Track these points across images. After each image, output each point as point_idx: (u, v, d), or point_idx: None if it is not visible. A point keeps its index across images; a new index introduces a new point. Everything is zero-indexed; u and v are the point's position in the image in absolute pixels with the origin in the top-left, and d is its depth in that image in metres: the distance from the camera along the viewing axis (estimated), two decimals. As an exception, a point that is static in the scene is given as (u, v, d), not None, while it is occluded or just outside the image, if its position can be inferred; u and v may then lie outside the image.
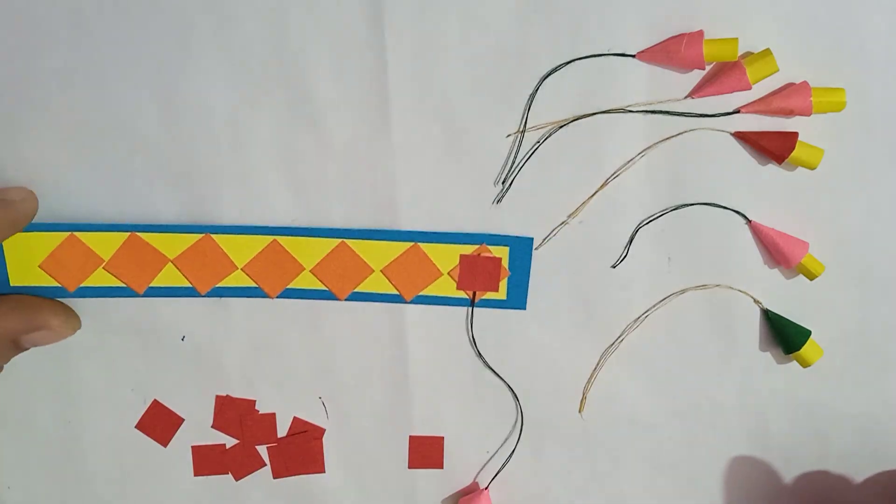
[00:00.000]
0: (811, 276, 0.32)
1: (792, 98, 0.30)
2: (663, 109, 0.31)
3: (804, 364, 0.32)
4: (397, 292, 0.32)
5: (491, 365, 0.33)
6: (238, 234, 0.31)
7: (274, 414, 0.33)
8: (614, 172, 0.31)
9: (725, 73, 0.30)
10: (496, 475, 0.34)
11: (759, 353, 0.33)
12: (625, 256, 0.32)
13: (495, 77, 0.31)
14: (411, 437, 0.34)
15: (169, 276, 0.31)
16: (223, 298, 0.32)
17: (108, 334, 0.32)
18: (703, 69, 0.31)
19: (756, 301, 0.33)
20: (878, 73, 0.31)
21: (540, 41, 0.30)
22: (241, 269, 0.31)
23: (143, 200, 0.31)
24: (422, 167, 0.31)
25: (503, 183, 0.31)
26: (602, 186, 0.31)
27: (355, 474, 0.34)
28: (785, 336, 0.32)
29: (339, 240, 0.31)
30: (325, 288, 0.32)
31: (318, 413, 0.33)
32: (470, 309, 0.32)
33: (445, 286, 0.32)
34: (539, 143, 0.31)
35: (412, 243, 0.31)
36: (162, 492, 0.33)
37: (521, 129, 0.31)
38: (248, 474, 0.34)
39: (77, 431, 0.33)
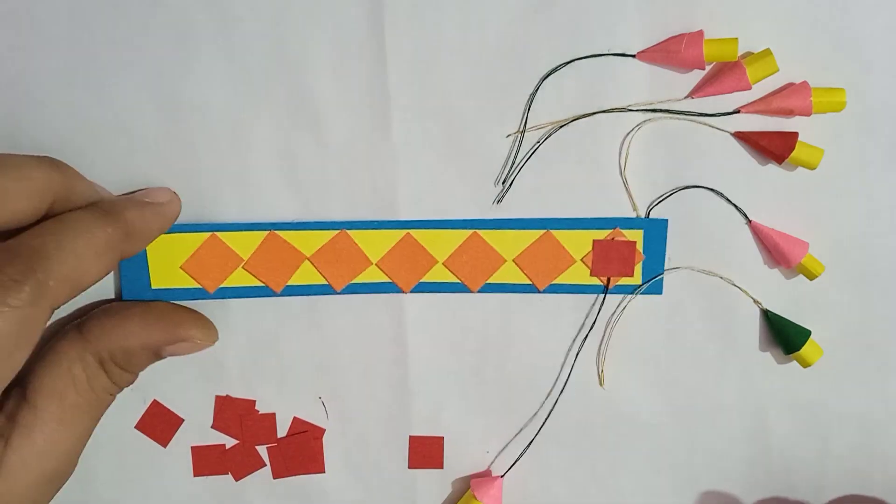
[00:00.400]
0: (811, 276, 0.32)
1: (792, 98, 0.30)
2: (663, 109, 0.31)
3: (804, 364, 0.32)
4: (530, 282, 0.32)
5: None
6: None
7: (274, 414, 0.33)
8: (614, 173, 0.31)
9: (725, 73, 0.30)
10: (512, 466, 0.34)
11: (759, 353, 0.33)
12: (625, 256, 0.32)
13: (495, 77, 0.31)
14: (411, 437, 0.34)
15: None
16: (224, 299, 0.32)
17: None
18: (703, 69, 0.31)
19: (756, 301, 0.33)
20: (878, 73, 0.31)
21: (540, 41, 0.30)
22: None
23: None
24: (422, 167, 0.31)
25: (503, 183, 0.31)
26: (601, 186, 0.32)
27: (355, 474, 0.34)
28: (785, 336, 0.32)
29: (471, 230, 0.31)
30: (458, 281, 0.32)
31: (318, 413, 0.33)
32: (603, 296, 0.32)
33: (579, 273, 0.32)
34: (539, 143, 0.31)
35: (544, 230, 0.31)
36: (162, 492, 0.33)
37: (521, 129, 0.31)
38: (248, 474, 0.34)
39: (77, 431, 0.33)
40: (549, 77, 0.31)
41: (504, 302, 0.32)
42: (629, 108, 0.31)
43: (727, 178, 0.32)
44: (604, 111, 0.31)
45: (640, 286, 0.32)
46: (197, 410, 0.33)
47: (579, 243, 0.31)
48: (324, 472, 0.34)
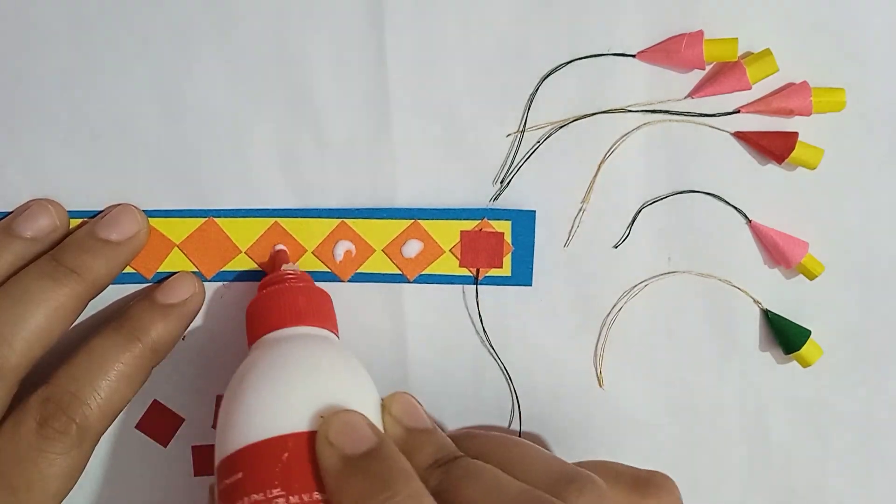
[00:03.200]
0: (811, 276, 0.32)
1: (792, 98, 0.30)
2: (663, 109, 0.31)
3: (804, 364, 0.32)
4: (400, 272, 0.32)
5: (492, 353, 0.33)
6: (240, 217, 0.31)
7: (274, 414, 0.33)
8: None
9: (725, 73, 0.30)
10: None
11: (759, 353, 0.33)
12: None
13: (495, 77, 0.31)
14: (411, 437, 0.34)
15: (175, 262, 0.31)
16: (223, 298, 0.32)
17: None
18: (703, 69, 0.31)
19: (756, 301, 0.33)
20: (878, 73, 0.31)
21: (540, 41, 0.30)
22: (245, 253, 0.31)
23: (143, 200, 0.31)
24: (422, 167, 0.31)
25: (502, 182, 0.31)
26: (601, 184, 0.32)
27: (355, 474, 0.34)
28: (785, 336, 0.32)
29: (339, 220, 0.31)
30: (327, 269, 0.31)
31: (318, 413, 0.33)
32: (474, 287, 0.32)
33: (448, 264, 0.32)
34: (539, 143, 0.31)
35: (412, 221, 0.31)
36: (162, 492, 0.33)
37: (521, 129, 0.31)
38: (248, 474, 0.34)
39: (77, 431, 0.33)
40: (549, 77, 0.31)
41: (503, 302, 0.32)
42: (629, 108, 0.31)
43: (727, 178, 0.32)
44: (604, 111, 0.31)
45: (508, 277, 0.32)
46: (197, 410, 0.33)
47: (448, 234, 0.31)
48: (324, 472, 0.34)
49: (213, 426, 0.33)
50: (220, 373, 0.33)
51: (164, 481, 0.33)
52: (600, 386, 0.33)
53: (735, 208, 0.32)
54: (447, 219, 0.31)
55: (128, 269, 0.31)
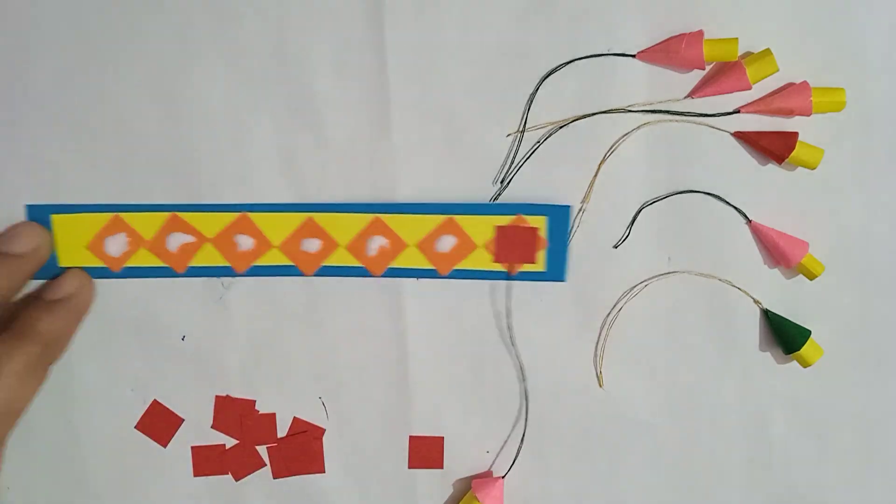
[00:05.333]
0: (811, 276, 0.32)
1: (792, 98, 0.30)
2: (663, 109, 0.31)
3: (804, 364, 0.32)
4: (433, 267, 0.32)
5: (514, 352, 0.33)
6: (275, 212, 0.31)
7: (274, 414, 0.33)
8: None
9: (725, 73, 0.30)
10: (511, 466, 0.34)
11: (759, 353, 0.33)
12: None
13: (495, 77, 0.31)
14: (411, 437, 0.34)
15: (206, 257, 0.31)
16: (223, 298, 0.32)
17: (108, 334, 0.32)
18: (703, 69, 0.31)
19: (756, 301, 0.33)
20: (878, 73, 0.31)
21: (540, 41, 0.30)
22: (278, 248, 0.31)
23: (143, 199, 0.31)
24: (422, 167, 0.31)
25: (502, 182, 0.31)
26: (600, 186, 0.31)
27: (355, 474, 0.34)
28: (785, 336, 0.32)
29: (374, 215, 0.31)
30: (359, 264, 0.31)
31: (318, 413, 0.33)
32: (506, 283, 0.32)
33: (481, 259, 0.32)
34: (539, 143, 0.31)
35: (447, 216, 0.31)
36: (162, 492, 0.33)
37: (521, 129, 0.31)
38: (248, 474, 0.34)
39: (77, 431, 0.33)
40: (549, 77, 0.31)
41: (502, 302, 0.32)
42: (629, 108, 0.31)
43: (727, 178, 0.32)
44: (604, 111, 0.31)
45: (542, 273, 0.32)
46: (197, 410, 0.33)
47: (482, 229, 0.31)
48: (324, 472, 0.34)
49: (213, 426, 0.33)
50: (220, 373, 0.33)
51: (164, 481, 0.33)
52: (600, 386, 0.33)
53: (735, 208, 0.32)
54: (482, 214, 0.31)
55: (157, 264, 0.31)
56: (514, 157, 0.31)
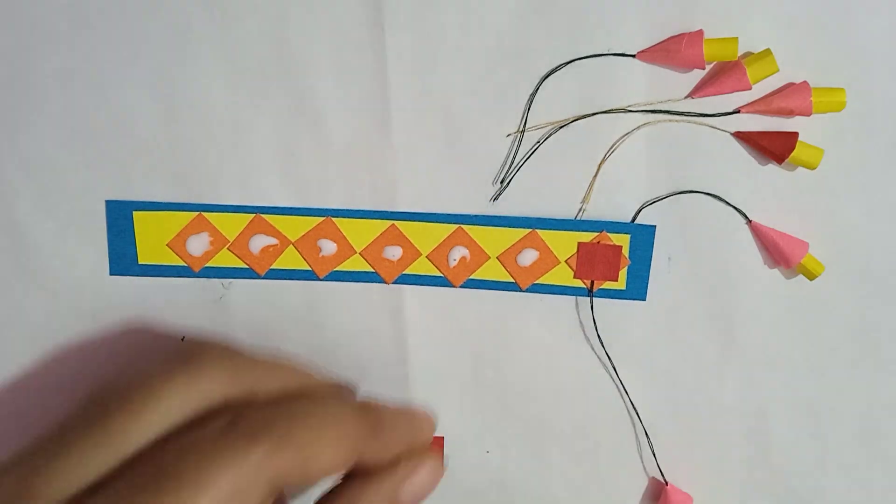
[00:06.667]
0: (811, 276, 0.32)
1: (792, 98, 0.30)
2: (663, 109, 0.31)
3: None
4: (513, 280, 0.32)
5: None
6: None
7: (274, 414, 0.33)
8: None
9: (725, 73, 0.30)
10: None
11: (759, 353, 0.33)
12: (625, 256, 0.32)
13: (495, 77, 0.31)
14: (411, 437, 0.34)
15: (289, 260, 0.31)
16: (223, 298, 0.32)
17: (107, 334, 0.32)
18: (703, 69, 0.31)
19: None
20: (878, 73, 0.31)
21: (540, 41, 0.30)
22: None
23: (142, 199, 0.31)
24: (422, 167, 0.31)
25: (502, 182, 0.31)
26: (600, 185, 0.31)
27: (355, 474, 0.34)
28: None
29: (456, 225, 0.31)
30: (440, 274, 0.32)
31: (318, 413, 0.33)
32: (589, 299, 0.32)
33: (562, 275, 0.32)
34: (539, 143, 0.31)
35: (530, 230, 0.31)
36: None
37: (521, 129, 0.31)
38: (248, 474, 0.34)
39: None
40: (549, 77, 0.31)
41: (503, 302, 0.32)
42: (629, 108, 0.31)
43: (727, 178, 0.32)
44: (604, 111, 0.31)
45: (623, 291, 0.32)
46: (197, 410, 0.33)
47: (565, 244, 0.31)
48: (324, 472, 0.34)
49: (213, 426, 0.33)
50: (220, 373, 0.33)
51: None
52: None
53: (735, 208, 0.32)
54: (565, 230, 0.31)
55: (239, 265, 0.31)
56: (514, 157, 0.31)
